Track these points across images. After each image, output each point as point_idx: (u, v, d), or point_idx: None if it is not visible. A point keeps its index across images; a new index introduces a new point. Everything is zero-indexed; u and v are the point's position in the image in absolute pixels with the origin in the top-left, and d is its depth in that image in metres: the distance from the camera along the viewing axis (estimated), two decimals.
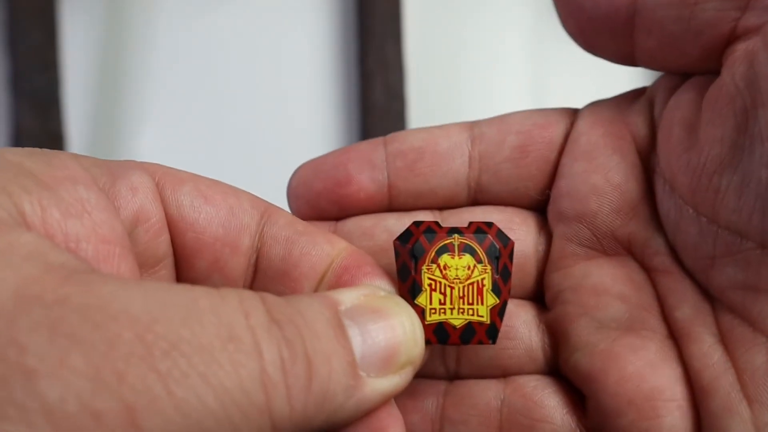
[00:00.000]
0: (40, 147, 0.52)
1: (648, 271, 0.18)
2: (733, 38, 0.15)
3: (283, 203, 0.23)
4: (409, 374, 0.14)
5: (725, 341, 0.16)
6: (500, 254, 0.16)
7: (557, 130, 0.19)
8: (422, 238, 0.16)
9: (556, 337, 0.18)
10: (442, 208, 0.20)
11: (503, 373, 0.18)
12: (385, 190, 0.19)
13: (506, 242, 0.16)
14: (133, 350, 0.10)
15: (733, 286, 0.16)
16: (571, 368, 0.18)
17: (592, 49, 0.18)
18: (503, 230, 0.17)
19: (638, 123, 0.18)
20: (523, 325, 0.19)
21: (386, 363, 0.13)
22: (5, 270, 0.10)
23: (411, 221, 0.17)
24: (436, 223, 0.16)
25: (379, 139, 0.20)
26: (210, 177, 0.17)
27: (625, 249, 0.18)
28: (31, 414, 0.09)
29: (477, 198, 0.20)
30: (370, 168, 0.19)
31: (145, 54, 0.63)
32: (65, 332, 0.10)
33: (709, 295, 0.17)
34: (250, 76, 0.64)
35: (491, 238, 0.16)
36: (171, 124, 0.63)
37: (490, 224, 0.16)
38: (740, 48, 0.15)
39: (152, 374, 0.10)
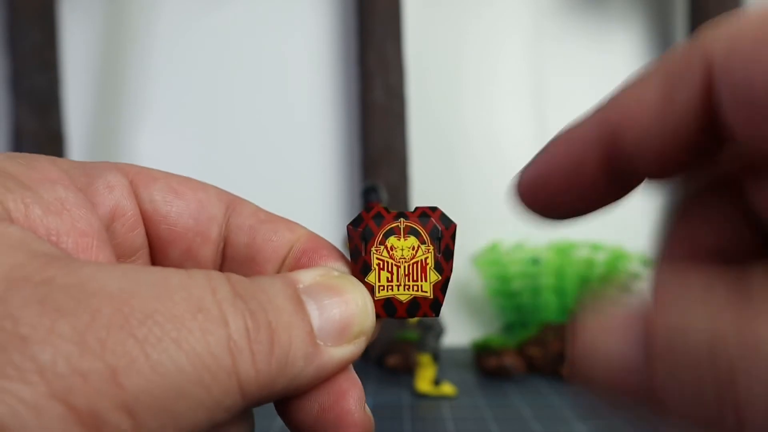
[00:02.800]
0: (40, 147, 0.52)
1: None
2: None
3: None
4: (362, 344, 0.16)
5: None
6: (442, 235, 0.17)
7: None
8: (371, 223, 0.17)
9: None
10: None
11: None
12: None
13: (448, 224, 0.18)
14: (113, 320, 0.11)
15: None
16: None
17: None
18: (446, 214, 0.18)
19: None
20: None
21: (341, 333, 0.15)
22: None
23: None
24: (385, 208, 0.18)
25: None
26: (198, 175, 0.18)
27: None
28: (27, 373, 0.10)
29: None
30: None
31: (145, 54, 0.63)
32: (52, 306, 0.11)
33: None
34: (250, 75, 0.64)
35: (434, 221, 0.17)
36: (170, 124, 0.63)
37: (434, 208, 0.18)
38: None
39: (130, 340, 0.11)
